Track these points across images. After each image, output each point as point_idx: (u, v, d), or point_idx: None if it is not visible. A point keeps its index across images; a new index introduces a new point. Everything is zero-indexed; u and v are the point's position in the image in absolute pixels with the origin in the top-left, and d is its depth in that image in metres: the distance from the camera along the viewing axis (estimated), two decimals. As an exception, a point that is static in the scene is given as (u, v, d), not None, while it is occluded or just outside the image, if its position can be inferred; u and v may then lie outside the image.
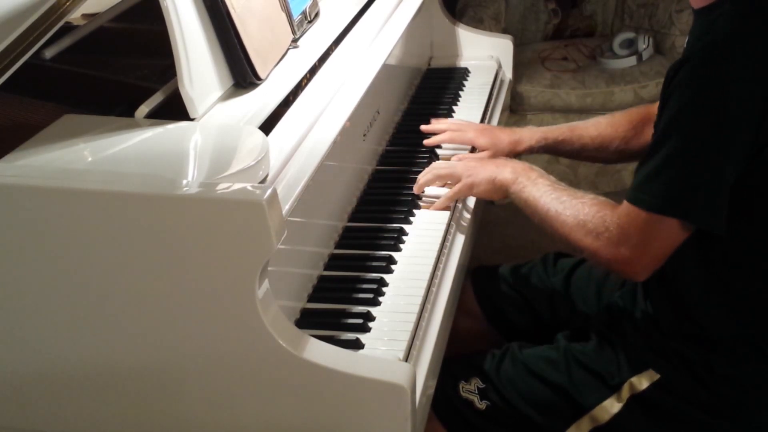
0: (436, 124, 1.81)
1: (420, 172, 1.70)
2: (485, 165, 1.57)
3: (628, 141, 1.70)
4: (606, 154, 1.74)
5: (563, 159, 3.02)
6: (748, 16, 1.23)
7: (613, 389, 1.40)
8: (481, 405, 1.44)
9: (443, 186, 1.63)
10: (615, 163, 1.84)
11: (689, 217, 1.24)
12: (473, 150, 1.77)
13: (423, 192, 1.63)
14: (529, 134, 1.76)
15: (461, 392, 1.45)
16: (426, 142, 1.79)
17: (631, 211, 1.28)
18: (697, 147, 1.22)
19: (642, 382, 1.39)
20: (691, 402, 1.37)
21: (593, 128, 1.74)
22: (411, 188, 1.65)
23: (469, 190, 1.57)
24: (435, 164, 1.65)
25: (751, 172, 1.23)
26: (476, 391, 1.44)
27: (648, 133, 1.67)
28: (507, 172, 1.51)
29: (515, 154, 1.74)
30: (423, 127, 1.81)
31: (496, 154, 1.72)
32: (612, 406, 1.39)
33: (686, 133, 1.23)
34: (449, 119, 1.86)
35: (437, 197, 1.60)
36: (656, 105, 1.65)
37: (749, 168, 1.22)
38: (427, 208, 1.59)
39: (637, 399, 1.39)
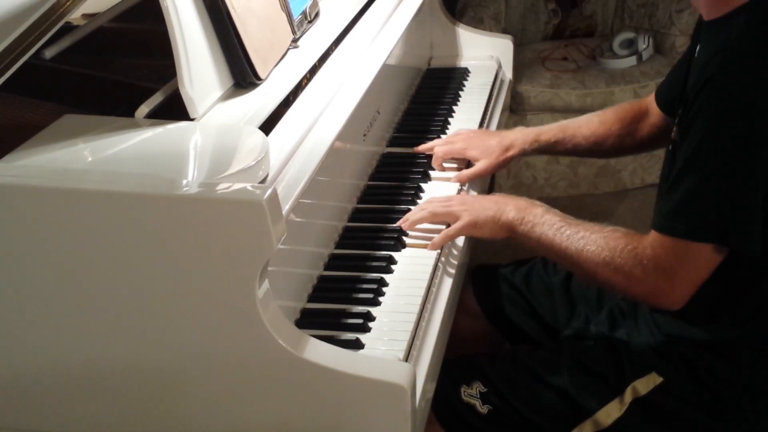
0: (423, 146, 1.78)
1: (420, 171, 1.71)
2: (484, 203, 1.48)
3: (622, 138, 1.70)
4: (600, 151, 1.74)
5: (563, 159, 3.03)
6: (764, 29, 1.22)
7: (616, 393, 1.39)
8: (483, 409, 1.43)
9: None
10: (608, 158, 1.83)
11: (725, 241, 1.23)
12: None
13: (408, 229, 1.51)
14: (521, 137, 1.73)
15: (463, 396, 1.44)
16: (433, 163, 1.74)
17: (664, 240, 1.25)
18: (728, 171, 1.21)
19: (645, 385, 1.38)
20: (693, 405, 1.37)
21: (586, 128, 1.72)
22: (411, 188, 1.65)
23: (472, 230, 1.47)
24: (430, 201, 1.54)
25: None
26: (478, 395, 1.44)
27: (642, 129, 1.68)
28: (510, 211, 1.43)
29: (508, 159, 1.72)
30: (416, 149, 1.77)
31: (491, 162, 1.70)
32: (614, 409, 1.39)
33: (716, 157, 1.21)
34: (435, 140, 1.79)
35: (428, 233, 1.49)
36: (648, 99, 1.67)
37: None
38: (416, 246, 1.48)
39: (639, 402, 1.38)
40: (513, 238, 1.44)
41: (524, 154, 1.74)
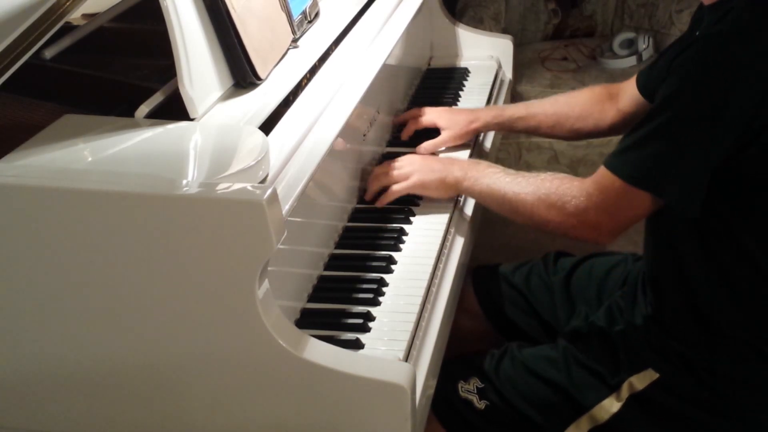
0: (403, 115, 1.88)
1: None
2: (432, 164, 1.58)
3: (584, 119, 1.74)
4: (561, 131, 1.78)
5: (563, 159, 3.03)
6: (758, 10, 1.22)
7: (613, 388, 1.40)
8: (481, 405, 1.44)
9: None
10: (572, 140, 1.87)
11: (663, 195, 1.26)
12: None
13: (370, 198, 1.61)
14: (487, 111, 1.83)
15: (460, 392, 1.45)
16: (403, 135, 1.84)
17: (606, 176, 1.29)
18: (686, 127, 1.23)
19: (641, 381, 1.39)
20: (690, 401, 1.37)
21: (550, 106, 1.78)
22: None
23: (419, 189, 1.57)
24: (382, 165, 1.63)
25: (752, 165, 1.22)
26: (475, 391, 1.44)
27: (608, 112, 1.71)
28: (456, 171, 1.53)
29: (473, 130, 1.81)
30: (395, 120, 1.88)
31: (455, 132, 1.79)
32: (611, 405, 1.39)
33: (679, 111, 1.23)
34: (413, 110, 1.88)
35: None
36: (624, 84, 1.68)
37: (748, 158, 1.22)
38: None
39: (636, 398, 1.39)
40: (459, 193, 1.54)
41: (488, 127, 1.83)
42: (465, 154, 1.78)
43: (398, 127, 1.91)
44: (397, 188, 1.57)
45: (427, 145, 1.79)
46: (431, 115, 1.83)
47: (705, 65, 1.21)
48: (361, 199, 1.63)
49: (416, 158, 1.63)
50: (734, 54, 1.20)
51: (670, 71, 1.25)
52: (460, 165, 1.54)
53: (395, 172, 1.59)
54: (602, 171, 1.31)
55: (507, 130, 1.86)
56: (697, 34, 1.34)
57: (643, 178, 1.26)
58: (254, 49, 1.35)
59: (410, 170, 1.57)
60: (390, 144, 1.84)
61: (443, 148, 1.81)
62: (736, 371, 1.35)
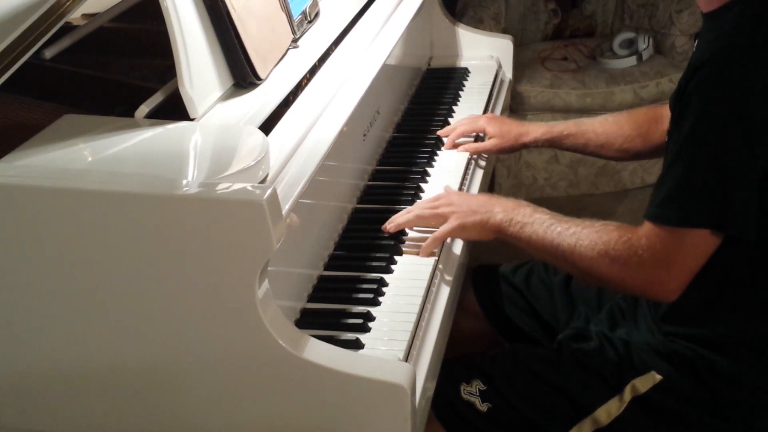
0: (449, 127, 1.86)
1: (420, 171, 1.71)
2: (471, 204, 1.46)
3: (632, 140, 1.71)
4: (609, 151, 1.76)
5: (563, 159, 3.03)
6: (760, 19, 1.22)
7: (615, 391, 1.39)
8: (483, 407, 1.43)
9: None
10: (618, 160, 1.85)
11: (720, 226, 1.22)
12: (478, 138, 1.82)
13: (394, 231, 1.49)
14: (536, 126, 1.81)
15: (462, 394, 1.44)
16: (444, 139, 1.82)
17: (658, 230, 1.24)
18: (719, 155, 1.20)
19: (644, 384, 1.38)
20: (693, 404, 1.37)
21: (599, 125, 1.76)
22: (411, 188, 1.65)
23: (459, 233, 1.46)
24: (417, 205, 1.52)
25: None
26: (477, 393, 1.44)
27: (654, 133, 1.68)
28: (498, 213, 1.42)
29: (521, 144, 1.79)
30: (440, 132, 1.86)
31: (503, 143, 1.78)
32: (614, 408, 1.39)
33: (707, 142, 1.20)
34: (460, 120, 1.88)
35: (423, 242, 1.46)
36: (665, 106, 1.67)
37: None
38: (412, 253, 1.46)
39: (639, 401, 1.39)
40: (502, 239, 1.43)
41: (537, 143, 1.80)
42: (464, 156, 1.78)
43: (398, 128, 1.91)
44: (437, 235, 1.44)
45: (469, 146, 1.79)
46: (480, 121, 1.82)
47: (717, 88, 1.19)
48: (361, 199, 1.63)
49: (453, 196, 1.51)
50: (742, 68, 1.18)
51: (686, 101, 1.23)
52: (502, 206, 1.42)
53: (432, 212, 1.47)
54: (650, 226, 1.24)
55: (555, 147, 1.83)
56: (695, 52, 1.33)
57: (697, 215, 1.21)
58: (254, 49, 1.35)
59: (448, 211, 1.46)
60: (390, 144, 1.84)
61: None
62: (738, 373, 1.35)
